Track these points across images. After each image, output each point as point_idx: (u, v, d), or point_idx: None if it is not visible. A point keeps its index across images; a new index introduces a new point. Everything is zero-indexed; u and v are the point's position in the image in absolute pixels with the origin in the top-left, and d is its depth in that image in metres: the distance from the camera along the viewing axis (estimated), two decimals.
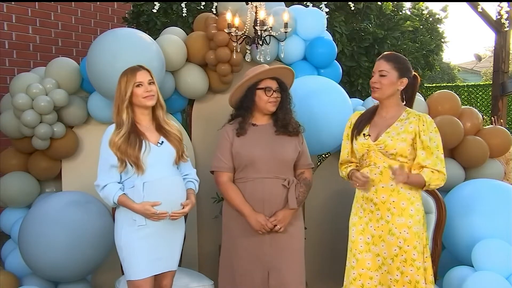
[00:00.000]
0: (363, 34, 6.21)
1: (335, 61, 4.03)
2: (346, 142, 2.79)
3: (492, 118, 6.51)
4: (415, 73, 2.68)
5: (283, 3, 3.97)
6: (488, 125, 4.57)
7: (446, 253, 3.31)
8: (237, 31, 3.15)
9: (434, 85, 14.08)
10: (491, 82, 9.17)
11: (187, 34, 3.83)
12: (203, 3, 5.27)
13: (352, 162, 2.78)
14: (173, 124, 2.72)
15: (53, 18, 6.07)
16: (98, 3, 6.62)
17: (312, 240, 3.72)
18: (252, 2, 3.18)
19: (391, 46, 6.21)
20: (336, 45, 4.06)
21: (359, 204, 2.71)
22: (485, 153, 3.76)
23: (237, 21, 3.16)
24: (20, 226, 3.24)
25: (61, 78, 3.53)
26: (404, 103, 2.67)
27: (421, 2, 8.41)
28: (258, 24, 3.12)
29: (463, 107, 3.96)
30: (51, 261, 3.10)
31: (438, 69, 12.95)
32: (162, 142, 2.60)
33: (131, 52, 3.26)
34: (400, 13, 7.21)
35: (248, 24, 3.28)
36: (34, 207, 3.37)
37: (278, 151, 2.81)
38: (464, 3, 8.07)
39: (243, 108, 2.87)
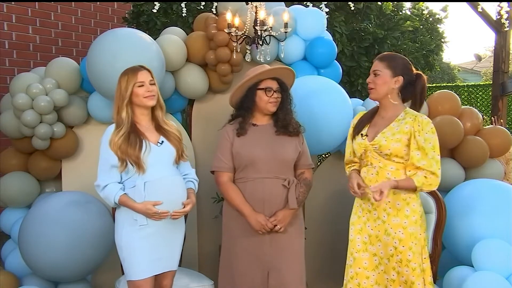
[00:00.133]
0: (363, 34, 6.21)
1: (335, 61, 4.03)
2: (349, 142, 2.80)
3: (492, 118, 6.52)
4: (419, 72, 2.66)
5: (283, 3, 3.97)
6: (488, 125, 4.57)
7: (446, 253, 3.31)
8: (237, 31, 3.15)
9: (434, 85, 14.08)
10: (491, 82, 9.18)
11: (187, 34, 3.83)
12: (203, 3, 5.27)
13: (355, 162, 2.79)
14: (172, 124, 2.73)
15: (53, 18, 6.07)
16: (98, 3, 6.62)
17: (312, 240, 3.72)
18: (252, 2, 3.18)
19: (391, 46, 6.22)
20: (336, 45, 4.06)
21: (358, 203, 2.73)
22: (485, 153, 3.76)
23: (237, 21, 3.16)
24: (20, 226, 3.24)
25: (61, 78, 3.53)
26: (407, 103, 2.66)
27: (421, 2, 8.42)
28: (258, 24, 3.12)
29: (463, 107, 3.96)
30: (51, 261, 3.10)
31: (438, 69, 12.95)
32: (162, 141, 2.60)
33: (131, 52, 3.26)
34: (400, 13, 7.22)
35: (248, 24, 3.28)
36: (34, 207, 3.37)
37: (279, 151, 2.81)
38: (464, 3, 8.07)
39: (244, 108, 2.87)
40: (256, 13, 3.14)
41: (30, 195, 3.64)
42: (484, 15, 8.15)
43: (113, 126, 2.57)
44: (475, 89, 13.58)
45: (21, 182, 3.60)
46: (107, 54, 3.25)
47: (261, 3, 3.14)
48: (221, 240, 2.96)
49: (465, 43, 60.42)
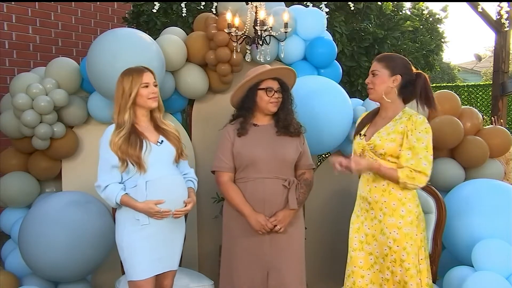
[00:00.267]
0: (363, 34, 6.21)
1: (335, 61, 4.03)
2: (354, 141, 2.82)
3: (492, 118, 6.51)
4: (419, 71, 2.65)
5: (283, 3, 3.97)
6: (488, 125, 4.57)
7: (446, 253, 3.31)
8: (237, 31, 3.15)
9: (434, 85, 14.07)
10: (491, 82, 9.17)
11: (187, 34, 3.83)
12: (203, 3, 5.27)
13: None
14: (170, 123, 2.73)
15: (53, 18, 6.07)
16: (98, 3, 6.62)
17: (312, 240, 3.72)
18: (252, 2, 3.17)
19: (391, 46, 6.21)
20: (336, 45, 4.06)
21: (358, 203, 2.74)
22: (485, 153, 3.76)
23: (237, 21, 3.16)
24: (20, 226, 3.24)
25: (61, 78, 3.53)
26: (421, 105, 2.64)
27: (421, 2, 8.42)
28: (258, 24, 3.12)
29: (463, 107, 3.96)
30: (51, 261, 3.10)
31: (438, 69, 12.95)
32: (162, 141, 2.61)
33: (131, 52, 3.26)
34: (400, 13, 7.21)
35: (248, 24, 3.28)
36: (34, 207, 3.37)
37: (279, 152, 2.81)
38: (464, 3, 8.07)
39: (245, 108, 2.87)
40: (256, 13, 3.14)
41: (30, 195, 3.64)
42: (484, 15, 8.15)
43: (112, 127, 2.56)
44: (475, 89, 13.58)
45: (21, 182, 3.60)
46: (107, 54, 3.25)
47: (261, 3, 3.14)
48: (221, 240, 2.96)
49: (465, 43, 60.47)
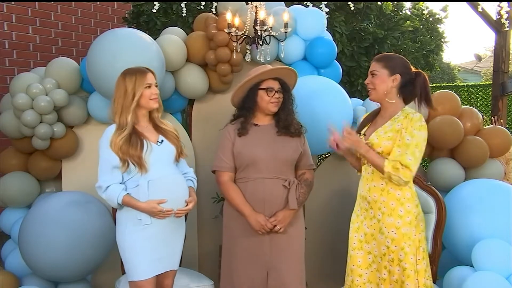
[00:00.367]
0: (363, 34, 6.21)
1: (335, 61, 4.03)
2: None
3: (492, 118, 6.51)
4: (419, 70, 2.66)
5: (283, 3, 3.97)
6: (488, 125, 4.57)
7: (446, 253, 3.31)
8: (237, 31, 3.15)
9: (434, 85, 14.04)
10: (491, 82, 9.16)
11: (187, 34, 3.83)
12: (203, 3, 5.28)
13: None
14: (168, 123, 2.73)
15: (53, 18, 6.07)
16: (98, 3, 6.62)
17: (312, 240, 3.72)
18: (252, 2, 3.17)
19: (391, 46, 6.22)
20: (336, 45, 4.06)
21: (358, 202, 2.75)
22: (485, 153, 3.76)
23: (237, 21, 3.16)
24: (20, 226, 3.24)
25: (61, 78, 3.53)
26: (418, 103, 2.65)
27: (421, 2, 8.42)
28: (258, 24, 3.12)
29: (463, 107, 3.96)
30: (51, 261, 3.10)
31: (438, 69, 12.94)
32: (162, 140, 2.61)
33: (131, 52, 3.26)
34: (400, 13, 7.22)
35: (248, 24, 3.28)
36: (34, 207, 3.37)
37: (280, 152, 2.81)
38: (464, 3, 8.06)
39: (245, 108, 2.87)
40: (256, 13, 3.14)
41: (30, 195, 3.64)
42: (484, 15, 8.15)
43: (112, 127, 2.55)
44: (475, 89, 13.55)
45: (21, 182, 3.60)
46: (107, 54, 3.25)
47: (261, 3, 3.14)
48: (221, 240, 2.96)
49: (465, 43, 60.39)
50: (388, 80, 2.60)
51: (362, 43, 6.12)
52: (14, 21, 5.65)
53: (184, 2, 4.61)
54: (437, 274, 2.98)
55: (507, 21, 7.79)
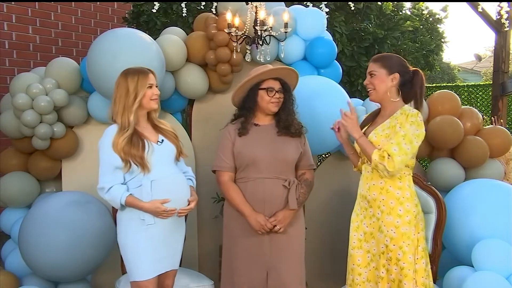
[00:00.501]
0: (363, 34, 6.21)
1: (335, 61, 4.03)
2: None
3: (492, 118, 6.51)
4: (416, 69, 2.68)
5: (283, 3, 3.97)
6: (488, 125, 4.57)
7: (446, 253, 3.31)
8: (237, 31, 3.15)
9: (434, 85, 14.05)
10: (491, 82, 9.16)
11: (187, 34, 3.83)
12: (203, 3, 5.28)
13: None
14: (166, 122, 2.73)
15: (53, 18, 6.07)
16: (98, 3, 6.62)
17: (312, 240, 3.72)
18: (252, 2, 3.17)
19: (391, 46, 6.22)
20: (336, 45, 4.06)
21: (358, 201, 2.76)
22: (485, 153, 3.76)
23: (237, 21, 3.16)
24: (20, 226, 3.24)
25: (61, 78, 3.53)
26: (414, 102, 2.67)
27: (421, 2, 8.42)
28: (258, 24, 3.12)
29: (463, 107, 3.96)
30: (51, 261, 3.10)
31: (438, 69, 12.95)
32: (162, 140, 2.61)
33: (131, 52, 3.26)
34: (400, 13, 7.22)
35: (248, 24, 3.28)
36: (34, 207, 3.37)
37: (280, 152, 2.81)
38: (464, 3, 8.06)
39: (246, 108, 2.87)
40: (256, 13, 3.14)
41: (30, 195, 3.64)
42: (484, 15, 8.15)
43: (112, 128, 2.54)
44: (475, 89, 13.55)
45: (21, 182, 3.60)
46: (107, 54, 3.25)
47: (261, 3, 3.14)
48: (221, 240, 2.96)
49: (465, 43, 60.40)
50: (387, 80, 2.61)
51: (362, 43, 6.13)
52: (14, 21, 5.65)
53: (184, 2, 4.62)
54: (437, 274, 2.98)
55: (507, 21, 7.79)
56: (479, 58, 24.20)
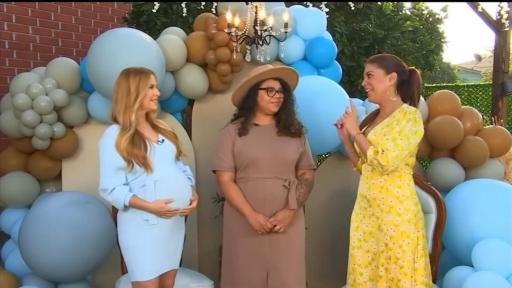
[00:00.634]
0: (363, 34, 6.21)
1: (335, 61, 4.03)
2: None
3: (492, 118, 6.51)
4: (412, 68, 2.70)
5: (283, 3, 3.97)
6: (488, 125, 4.57)
7: (446, 253, 3.31)
8: (237, 31, 3.14)
9: (434, 85, 14.05)
10: (491, 82, 9.17)
11: (187, 34, 3.83)
12: (203, 3, 5.28)
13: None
14: (163, 122, 2.73)
15: (53, 18, 6.07)
16: (98, 3, 6.62)
17: (312, 240, 3.72)
18: (252, 2, 3.17)
19: (391, 46, 6.22)
20: (336, 45, 4.06)
21: (358, 201, 2.76)
22: (485, 153, 3.76)
23: (237, 21, 3.16)
24: (20, 226, 3.24)
25: (61, 78, 3.53)
26: (409, 101, 2.68)
27: (421, 2, 8.42)
28: (258, 24, 3.12)
29: (463, 107, 3.96)
30: (51, 261, 3.10)
31: (438, 69, 12.95)
32: (163, 140, 2.61)
33: (131, 52, 3.26)
34: (400, 13, 7.22)
35: (248, 24, 3.28)
36: (34, 207, 3.37)
37: (280, 152, 2.81)
38: (464, 3, 8.06)
39: (246, 108, 2.87)
40: (256, 13, 3.14)
41: (30, 195, 3.64)
42: (484, 15, 8.15)
43: (113, 128, 2.52)
44: (475, 89, 13.55)
45: (21, 182, 3.60)
46: (107, 54, 3.25)
47: (261, 3, 3.14)
48: (221, 240, 2.96)
49: (465, 43, 60.37)
50: (385, 79, 2.63)
51: (362, 43, 6.12)
52: (14, 21, 5.65)
53: (184, 2, 4.62)
54: (437, 274, 2.98)
55: (507, 21, 7.79)
56: (479, 58, 24.19)
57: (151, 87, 2.55)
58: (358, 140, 2.63)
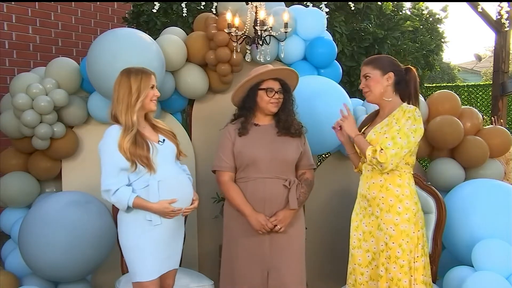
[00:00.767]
0: (363, 34, 6.21)
1: (335, 61, 4.03)
2: None
3: (492, 118, 6.51)
4: (408, 66, 2.71)
5: (283, 3, 3.97)
6: (488, 125, 4.57)
7: (446, 253, 3.31)
8: (237, 31, 3.15)
9: (434, 85, 14.05)
10: (491, 82, 9.17)
11: (187, 34, 3.83)
12: (203, 3, 5.28)
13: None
14: (162, 122, 2.73)
15: (53, 18, 6.07)
16: (98, 3, 6.62)
17: (312, 240, 3.72)
18: (252, 2, 3.17)
19: (391, 46, 6.21)
20: (336, 45, 4.06)
21: (357, 201, 2.77)
22: (485, 153, 3.76)
23: (237, 21, 3.16)
24: (20, 226, 3.24)
25: (61, 78, 3.53)
26: (408, 100, 2.69)
27: (421, 2, 8.41)
28: (258, 24, 3.12)
29: (463, 107, 3.96)
30: (51, 261, 3.10)
31: (438, 69, 12.94)
32: (164, 140, 2.60)
33: (131, 52, 3.26)
34: (400, 13, 7.21)
35: (248, 24, 3.28)
36: (34, 207, 3.37)
37: (280, 152, 2.81)
38: (464, 3, 8.07)
39: (246, 108, 2.87)
40: (256, 13, 3.14)
41: (30, 195, 3.64)
42: (484, 15, 8.15)
43: (114, 128, 2.50)
44: (475, 89, 13.55)
45: (21, 182, 3.60)
46: (107, 54, 3.25)
47: (261, 3, 3.14)
48: (221, 240, 2.96)
49: (465, 43, 60.32)
50: (382, 80, 2.64)
51: (362, 43, 6.12)
52: (14, 21, 5.65)
53: (184, 2, 4.62)
54: (437, 274, 2.98)
55: (507, 21, 7.80)
56: (479, 58, 24.19)
57: (152, 87, 2.55)
58: (358, 141, 2.65)
